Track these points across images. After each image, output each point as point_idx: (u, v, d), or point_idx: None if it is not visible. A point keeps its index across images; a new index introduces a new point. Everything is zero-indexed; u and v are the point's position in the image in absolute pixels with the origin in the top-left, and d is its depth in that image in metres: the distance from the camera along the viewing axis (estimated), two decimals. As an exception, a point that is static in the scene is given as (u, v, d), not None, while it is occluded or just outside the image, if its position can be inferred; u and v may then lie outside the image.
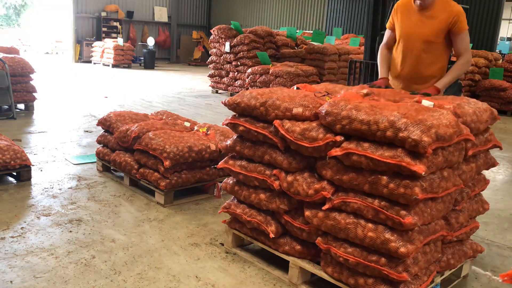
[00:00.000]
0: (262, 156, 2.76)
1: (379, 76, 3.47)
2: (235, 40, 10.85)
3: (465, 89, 11.11)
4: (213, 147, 4.00)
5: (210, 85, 11.72)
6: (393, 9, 3.38)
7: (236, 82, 10.83)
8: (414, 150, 2.14)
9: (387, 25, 3.45)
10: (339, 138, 2.40)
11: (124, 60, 16.97)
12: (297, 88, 3.02)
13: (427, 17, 3.20)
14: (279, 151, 2.68)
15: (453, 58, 3.84)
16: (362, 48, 10.46)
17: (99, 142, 4.72)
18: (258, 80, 9.78)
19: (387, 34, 3.51)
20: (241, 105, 2.81)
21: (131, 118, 4.64)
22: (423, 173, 2.11)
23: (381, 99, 2.66)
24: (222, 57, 11.27)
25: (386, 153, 2.20)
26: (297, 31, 14.86)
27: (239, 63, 10.82)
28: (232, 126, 2.91)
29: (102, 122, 4.67)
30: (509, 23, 24.58)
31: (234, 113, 2.93)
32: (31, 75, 7.40)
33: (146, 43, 18.21)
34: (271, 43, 11.26)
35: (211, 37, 11.52)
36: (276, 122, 2.62)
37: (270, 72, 9.48)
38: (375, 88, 3.01)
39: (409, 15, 3.28)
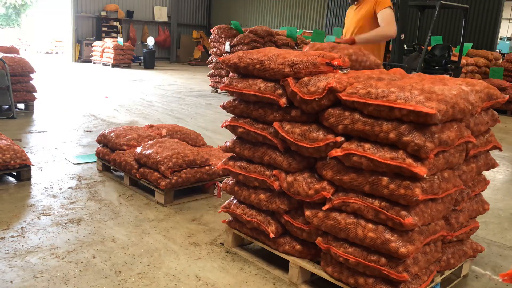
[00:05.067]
0: (262, 157, 2.76)
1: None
2: (235, 39, 10.84)
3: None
4: None
5: (210, 85, 11.71)
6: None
7: (236, 81, 10.82)
8: (416, 154, 2.14)
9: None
10: (339, 138, 2.39)
11: (124, 60, 16.96)
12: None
13: (356, 11, 4.43)
14: (278, 151, 2.68)
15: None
16: (362, 47, 10.45)
17: (99, 141, 4.72)
18: (258, 79, 9.78)
19: None
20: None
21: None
22: (425, 175, 2.11)
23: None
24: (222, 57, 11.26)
25: (387, 154, 2.20)
26: (297, 30, 14.86)
27: (239, 63, 10.80)
28: (232, 128, 2.91)
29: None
30: (509, 22, 24.59)
31: (233, 115, 2.94)
32: (31, 75, 7.40)
33: (146, 42, 18.20)
34: (271, 43, 11.25)
35: (211, 36, 11.51)
36: (276, 124, 2.62)
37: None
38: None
39: (348, 14, 4.63)
